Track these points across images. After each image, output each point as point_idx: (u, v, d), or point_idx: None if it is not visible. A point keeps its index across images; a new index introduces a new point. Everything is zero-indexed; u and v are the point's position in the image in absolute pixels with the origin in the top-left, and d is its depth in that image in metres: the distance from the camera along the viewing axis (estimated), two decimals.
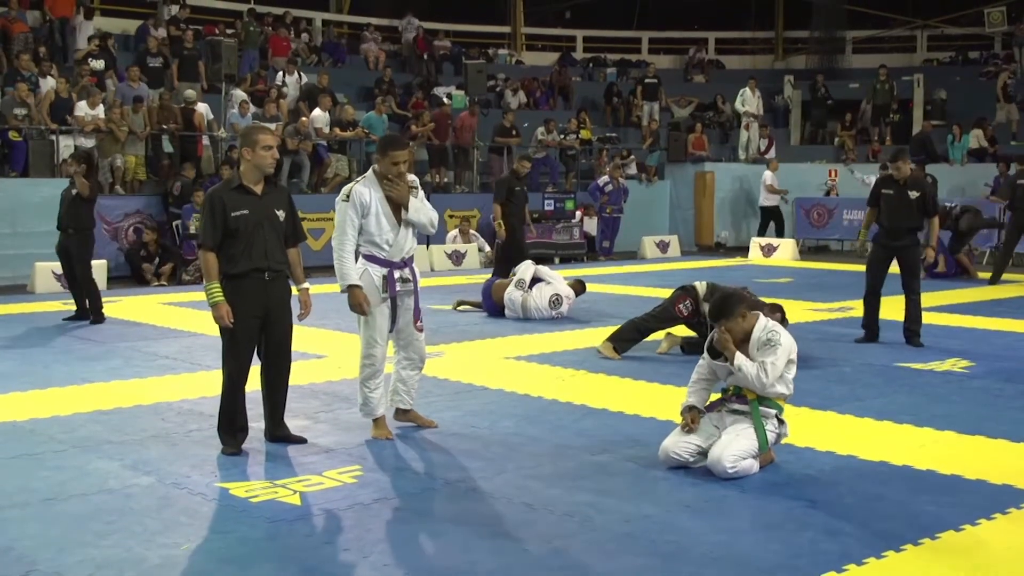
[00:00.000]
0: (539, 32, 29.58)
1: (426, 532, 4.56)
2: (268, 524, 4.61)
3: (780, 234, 19.70)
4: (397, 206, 5.97)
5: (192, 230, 14.34)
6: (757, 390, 5.36)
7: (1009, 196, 14.93)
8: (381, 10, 26.99)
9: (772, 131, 22.42)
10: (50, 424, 6.38)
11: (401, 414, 6.30)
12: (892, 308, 9.36)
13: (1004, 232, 14.93)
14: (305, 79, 19.56)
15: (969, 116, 21.89)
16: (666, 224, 21.04)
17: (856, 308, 11.11)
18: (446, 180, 19.22)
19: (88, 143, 15.19)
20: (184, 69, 18.21)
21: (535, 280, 11.00)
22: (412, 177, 6.17)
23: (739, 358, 5.35)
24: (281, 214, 5.78)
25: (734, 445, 5.25)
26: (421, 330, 6.19)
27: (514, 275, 11.17)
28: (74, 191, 10.53)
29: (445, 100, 20.27)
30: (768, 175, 19.89)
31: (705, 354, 5.56)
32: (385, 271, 5.98)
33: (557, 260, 17.26)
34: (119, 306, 11.77)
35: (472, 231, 17.80)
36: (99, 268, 13.66)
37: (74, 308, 10.72)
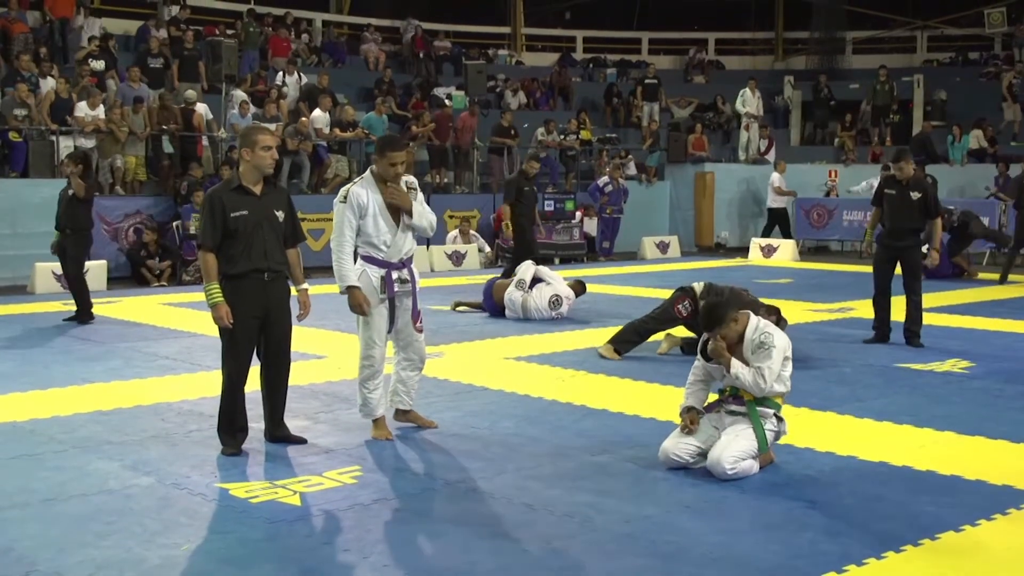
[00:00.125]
0: (539, 32, 29.58)
1: (426, 533, 4.56)
2: (268, 525, 4.61)
3: (786, 236, 19.71)
4: (395, 207, 5.97)
5: (192, 230, 14.35)
6: (756, 394, 5.36)
7: (1016, 195, 14.97)
8: (381, 11, 26.99)
9: (772, 132, 22.42)
10: (50, 424, 6.38)
11: (401, 415, 6.30)
12: (893, 309, 9.35)
13: (1015, 231, 14.98)
14: (305, 79, 19.57)
15: (969, 117, 21.90)
16: (666, 225, 21.04)
17: (856, 308, 11.15)
18: (446, 181, 19.22)
19: (88, 144, 15.21)
20: (184, 69, 18.22)
21: (535, 280, 11.00)
22: (410, 178, 6.17)
23: (735, 366, 5.34)
24: (280, 215, 5.78)
25: (733, 446, 5.25)
26: (421, 331, 6.19)
27: (515, 275, 11.19)
28: (71, 192, 10.54)
29: (447, 102, 20.26)
30: (776, 177, 19.95)
31: (699, 357, 5.55)
32: (383, 272, 5.98)
33: (557, 261, 17.25)
34: (119, 306, 11.77)
35: (472, 231, 17.80)
36: (99, 268, 13.73)
37: (74, 308, 10.71)
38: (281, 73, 19.24)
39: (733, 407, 5.46)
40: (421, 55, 23.76)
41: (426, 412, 6.46)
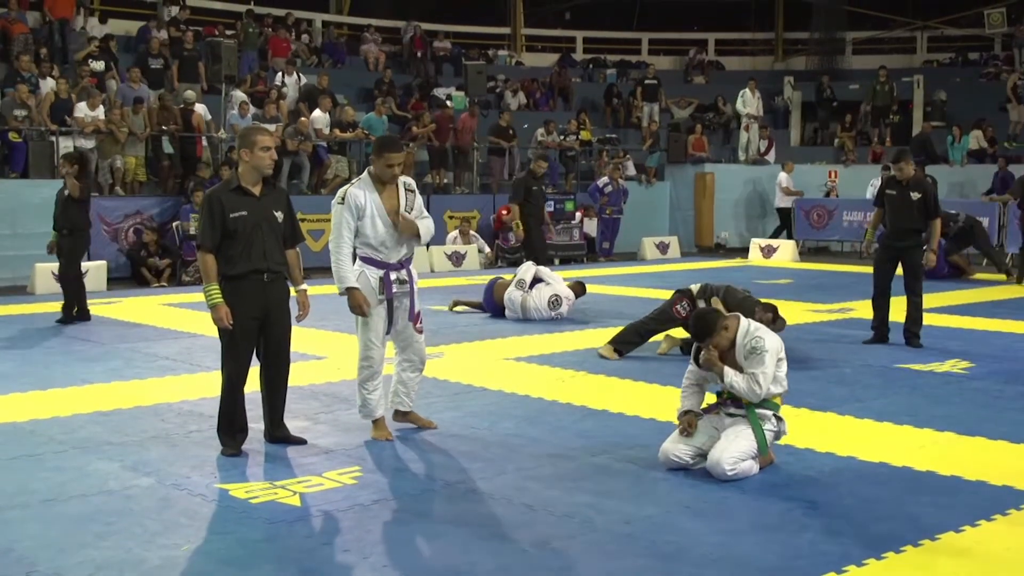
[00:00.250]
0: (539, 33, 29.58)
1: (426, 533, 4.56)
2: (268, 525, 4.61)
3: (789, 236, 19.73)
4: (393, 207, 5.97)
5: (192, 231, 14.35)
6: (752, 400, 5.35)
7: (1020, 193, 15.01)
8: (381, 11, 27.00)
9: (772, 132, 22.42)
10: (50, 425, 6.38)
11: (400, 416, 6.30)
12: (893, 309, 9.35)
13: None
14: (304, 80, 19.56)
15: (969, 117, 21.91)
16: (666, 225, 21.04)
17: (856, 309, 11.15)
18: (446, 181, 19.22)
19: (88, 144, 15.22)
20: (184, 70, 18.22)
21: (535, 281, 11.01)
22: (408, 180, 6.17)
23: (729, 375, 5.33)
24: (279, 215, 5.78)
25: (733, 447, 5.25)
26: (421, 332, 6.20)
27: (515, 275, 11.20)
28: (67, 192, 10.55)
29: (448, 103, 20.27)
30: (783, 177, 20.01)
31: (692, 363, 5.54)
32: (381, 273, 5.98)
33: (557, 261, 17.25)
34: (119, 307, 11.78)
35: (472, 232, 17.81)
36: (99, 269, 13.74)
37: (75, 309, 10.71)
38: (280, 74, 19.24)
39: (732, 410, 5.46)
40: (420, 55, 23.77)
41: (426, 412, 6.46)
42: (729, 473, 5.18)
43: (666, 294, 9.82)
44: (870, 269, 9.66)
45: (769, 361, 5.31)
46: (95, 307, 11.22)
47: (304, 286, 5.98)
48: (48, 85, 15.83)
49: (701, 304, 8.80)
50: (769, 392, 5.37)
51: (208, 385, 7.05)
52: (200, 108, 16.71)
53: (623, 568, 4.13)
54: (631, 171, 20.76)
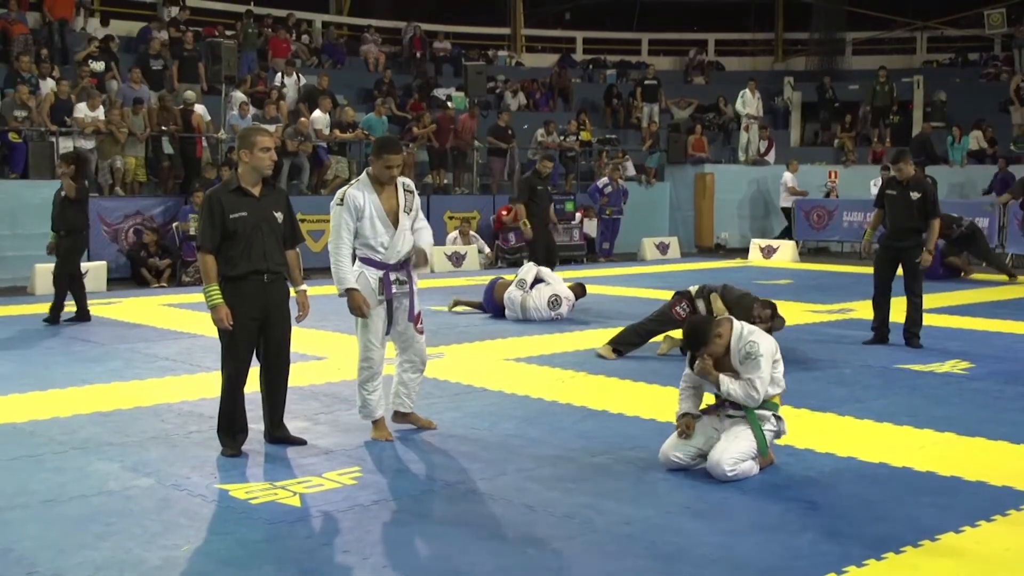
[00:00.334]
0: (539, 34, 29.58)
1: (426, 534, 4.56)
2: (268, 526, 4.61)
3: (788, 236, 19.77)
4: (392, 208, 5.97)
5: (192, 231, 14.36)
6: (751, 406, 5.34)
7: (1021, 194, 15.03)
8: (381, 12, 27.00)
9: (772, 132, 22.42)
10: (50, 426, 6.38)
11: (400, 417, 6.29)
12: (893, 310, 9.35)
13: None
14: (304, 80, 19.56)
15: (969, 118, 21.91)
16: (666, 226, 21.04)
17: (856, 310, 11.15)
18: (445, 182, 19.23)
19: (88, 145, 15.22)
20: (184, 70, 18.23)
21: (536, 281, 11.01)
22: (407, 181, 6.17)
23: (725, 384, 5.32)
24: (279, 216, 5.78)
25: (733, 448, 5.25)
26: (422, 332, 6.20)
27: (516, 276, 11.21)
28: (63, 193, 10.53)
29: (449, 105, 20.27)
30: (788, 176, 20.05)
31: (687, 368, 5.54)
32: (381, 273, 5.98)
33: (557, 262, 17.22)
34: (119, 307, 11.78)
35: (472, 232, 17.81)
36: (99, 269, 13.74)
37: (74, 309, 10.71)
38: (280, 74, 19.25)
39: (731, 411, 5.45)
40: (419, 56, 23.77)
41: (426, 413, 6.46)
42: (729, 474, 5.18)
43: (666, 294, 9.84)
44: (870, 270, 9.67)
45: (765, 365, 5.30)
46: (95, 308, 11.22)
47: (304, 287, 5.98)
48: (48, 86, 15.84)
49: (700, 304, 8.83)
50: (767, 393, 5.36)
51: (208, 386, 7.04)
52: (200, 109, 16.71)
53: (623, 569, 4.13)
54: (631, 172, 20.77)
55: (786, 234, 19.99)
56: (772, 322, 9.03)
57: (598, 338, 9.25)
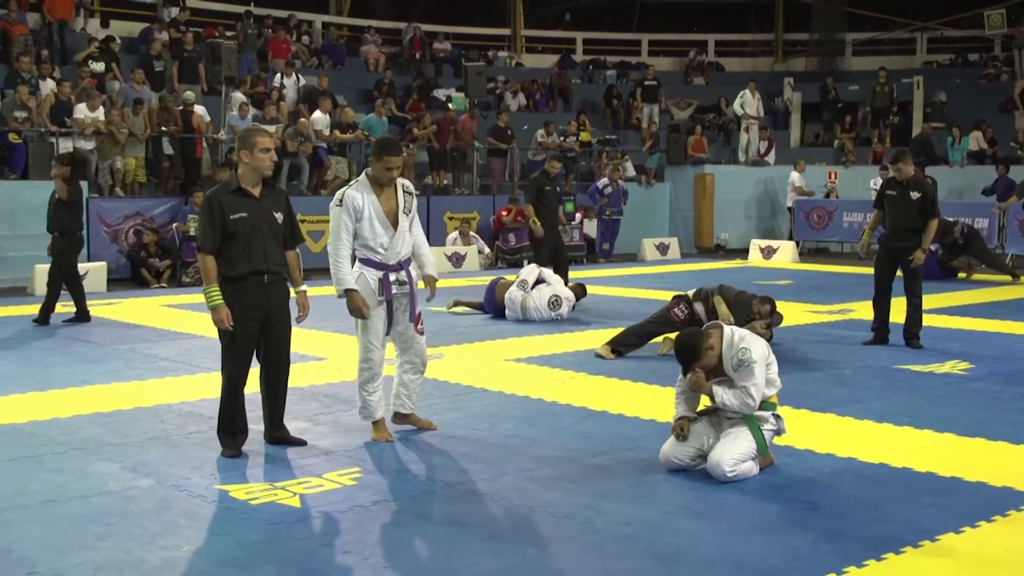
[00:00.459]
0: (539, 34, 29.57)
1: (426, 534, 4.56)
2: (268, 526, 4.61)
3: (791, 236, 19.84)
4: (391, 210, 5.98)
5: (192, 232, 14.36)
6: (747, 413, 5.33)
7: None
8: (381, 12, 26.99)
9: (772, 133, 22.42)
10: (50, 426, 6.38)
11: (400, 418, 6.29)
12: (893, 310, 9.35)
13: None
14: (303, 81, 19.57)
15: (969, 118, 21.91)
16: (666, 226, 21.04)
17: (856, 310, 11.15)
18: (445, 182, 19.23)
19: (88, 145, 15.23)
20: (184, 71, 18.23)
21: (538, 281, 11.02)
22: (407, 182, 6.18)
23: (719, 396, 5.30)
24: (279, 216, 5.78)
25: (732, 448, 5.25)
26: (422, 333, 6.20)
27: (517, 276, 11.22)
28: (56, 194, 10.51)
29: (450, 107, 20.28)
30: (795, 176, 20.07)
31: (681, 374, 5.53)
32: (381, 274, 5.98)
33: (566, 262, 17.22)
34: (119, 308, 11.78)
35: (472, 233, 17.81)
36: (99, 270, 13.74)
37: (73, 310, 10.70)
38: (279, 75, 19.25)
39: (730, 413, 5.45)
40: (418, 56, 23.78)
41: (426, 413, 6.46)
42: (729, 475, 5.18)
43: (666, 295, 9.87)
44: (870, 270, 9.67)
45: (758, 372, 5.28)
46: (95, 308, 11.22)
47: (304, 287, 5.98)
48: (48, 86, 15.84)
49: (698, 307, 8.86)
50: (764, 395, 5.36)
51: (208, 386, 7.05)
52: (200, 109, 16.71)
53: (623, 569, 4.13)
54: (631, 172, 20.76)
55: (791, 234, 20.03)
56: (772, 317, 9.08)
57: (598, 339, 9.25)
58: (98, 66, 17.20)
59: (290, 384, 6.02)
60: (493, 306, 11.19)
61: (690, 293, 9.03)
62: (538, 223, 12.23)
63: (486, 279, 12.54)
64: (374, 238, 5.94)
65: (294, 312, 5.91)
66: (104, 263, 14.15)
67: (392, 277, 6.00)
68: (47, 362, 8.54)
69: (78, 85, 16.21)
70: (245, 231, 5.60)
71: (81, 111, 15.26)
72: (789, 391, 6.89)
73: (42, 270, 13.03)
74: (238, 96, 17.20)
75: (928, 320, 9.52)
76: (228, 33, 20.64)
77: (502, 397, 7.24)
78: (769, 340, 9.18)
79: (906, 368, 8.25)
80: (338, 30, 25.52)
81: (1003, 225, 17.53)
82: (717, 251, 20.62)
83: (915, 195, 9.10)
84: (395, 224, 5.98)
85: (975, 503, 4.90)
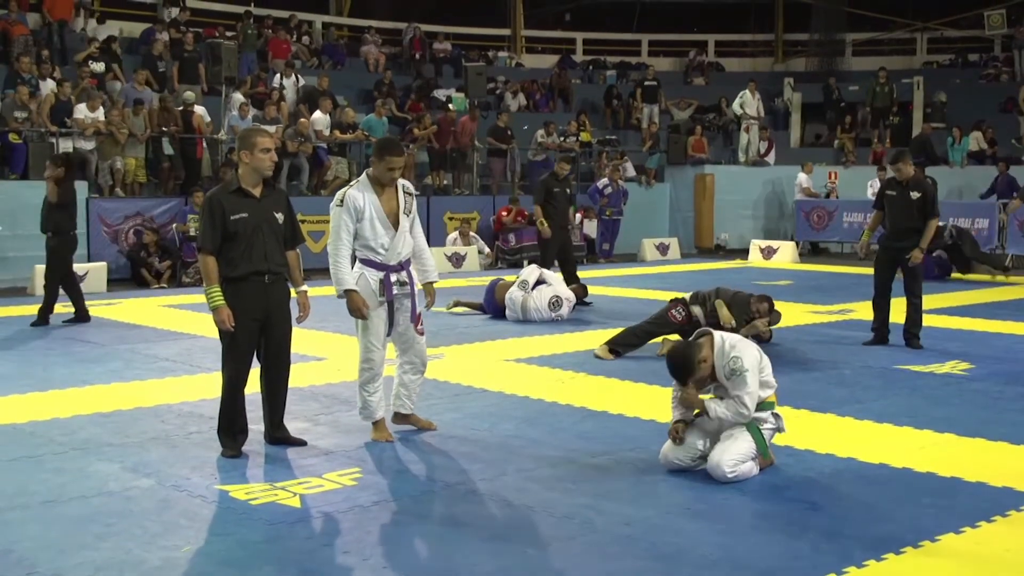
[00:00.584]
0: (539, 35, 29.58)
1: (426, 534, 4.56)
2: (268, 526, 4.61)
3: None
4: (392, 210, 5.98)
5: (192, 232, 14.36)
6: (743, 422, 5.31)
7: None
8: (381, 13, 27.00)
9: (772, 133, 22.42)
10: (50, 426, 6.38)
11: (400, 418, 6.29)
12: (893, 311, 9.35)
13: None
14: (303, 81, 19.57)
15: (969, 119, 21.92)
16: (666, 226, 21.05)
17: (856, 310, 11.15)
18: (446, 183, 19.24)
19: (88, 146, 15.23)
20: (184, 71, 18.24)
21: (538, 281, 11.02)
22: (407, 183, 6.18)
23: (713, 410, 5.29)
24: (280, 217, 5.78)
25: (732, 449, 5.25)
26: (422, 333, 6.20)
27: (517, 277, 11.22)
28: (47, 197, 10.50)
29: (451, 107, 20.28)
30: (803, 177, 20.09)
31: (675, 384, 5.52)
32: (381, 275, 5.98)
33: (556, 263, 17.22)
34: (119, 308, 11.78)
35: (472, 233, 17.82)
36: (99, 270, 13.74)
37: (72, 310, 10.70)
38: (278, 75, 19.26)
39: None
40: (417, 57, 23.78)
41: (426, 414, 6.46)
42: (729, 475, 5.18)
43: (666, 295, 9.88)
44: (870, 270, 9.67)
45: (751, 380, 5.26)
46: (95, 309, 11.23)
47: (305, 287, 5.98)
48: (48, 86, 15.84)
49: (696, 309, 8.88)
50: (759, 398, 5.35)
51: (208, 386, 7.05)
52: (200, 109, 16.72)
53: (623, 569, 4.13)
54: (631, 172, 20.76)
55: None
56: (770, 315, 9.10)
57: (598, 339, 9.25)
58: (98, 66, 17.21)
59: (290, 384, 6.01)
60: (493, 307, 11.20)
61: (687, 296, 9.06)
62: (545, 224, 12.23)
63: (486, 279, 12.54)
64: (375, 238, 5.94)
65: (295, 312, 5.91)
66: (104, 263, 14.16)
67: (393, 278, 5.99)
68: (47, 362, 8.54)
69: (78, 85, 16.21)
70: (246, 231, 5.60)
71: (81, 111, 15.26)
72: (789, 391, 6.90)
73: (42, 270, 13.04)
74: (238, 96, 17.20)
75: (928, 320, 9.52)
76: (228, 33, 20.65)
77: (502, 397, 7.24)
78: (769, 340, 9.24)
79: (906, 368, 8.25)
80: (338, 30, 25.53)
81: (1003, 225, 17.53)
82: (717, 251, 20.62)
83: (915, 195, 9.09)
84: (396, 224, 5.98)
85: (975, 503, 4.90)
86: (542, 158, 20.12)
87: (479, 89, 21.85)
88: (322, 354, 8.76)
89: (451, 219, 18.07)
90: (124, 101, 16.34)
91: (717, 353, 5.31)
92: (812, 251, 20.18)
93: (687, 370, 5.31)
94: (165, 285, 14.36)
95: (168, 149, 16.33)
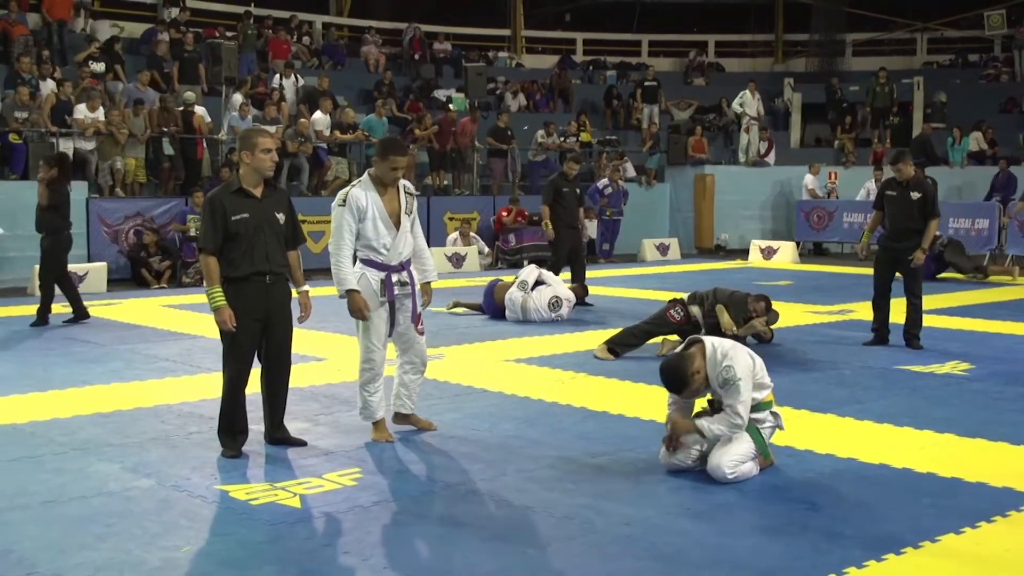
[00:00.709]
0: (539, 35, 29.57)
1: (426, 535, 4.56)
2: (268, 527, 4.61)
3: None
4: (394, 210, 5.98)
5: (193, 232, 14.36)
6: (739, 432, 5.30)
7: None
8: (381, 13, 27.00)
9: (772, 134, 22.43)
10: (50, 427, 6.38)
11: (401, 418, 6.29)
12: (893, 311, 9.35)
13: None
14: (303, 82, 19.57)
15: (969, 119, 21.92)
16: (666, 227, 21.05)
17: (856, 311, 11.15)
18: (446, 183, 19.24)
19: (88, 146, 15.22)
20: (184, 72, 18.24)
21: (537, 282, 11.02)
22: (407, 183, 6.18)
23: (707, 430, 5.27)
24: (281, 217, 5.78)
25: (732, 450, 5.25)
26: (422, 333, 6.20)
27: (516, 277, 11.23)
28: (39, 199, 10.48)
29: (451, 108, 20.27)
30: (809, 178, 20.11)
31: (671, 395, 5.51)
32: (383, 275, 5.98)
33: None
34: (119, 308, 11.78)
35: (472, 233, 17.82)
36: (99, 270, 13.74)
37: (70, 310, 10.69)
38: (278, 75, 19.26)
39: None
40: (417, 57, 23.78)
41: (426, 414, 6.46)
42: (730, 476, 5.18)
43: (666, 295, 9.88)
44: (870, 271, 9.66)
45: (744, 388, 5.25)
46: (95, 309, 11.23)
47: (306, 287, 5.98)
48: (48, 87, 15.84)
49: (694, 309, 8.89)
50: (755, 400, 5.34)
51: (208, 387, 7.05)
52: (200, 110, 16.72)
53: (623, 569, 4.13)
54: (631, 173, 20.76)
55: None
56: (768, 315, 9.11)
57: (598, 339, 9.25)
58: (98, 66, 17.20)
59: (290, 384, 6.01)
60: (492, 307, 11.20)
61: (685, 296, 9.07)
62: (550, 226, 12.22)
63: (486, 279, 12.54)
64: (377, 238, 5.94)
65: (296, 313, 5.91)
66: (104, 263, 14.16)
67: (394, 278, 5.99)
68: (47, 362, 8.54)
69: (78, 85, 16.21)
70: (247, 232, 5.60)
71: (81, 111, 15.26)
72: (789, 391, 6.91)
73: None
74: (238, 97, 17.20)
75: (928, 320, 9.52)
76: (228, 33, 20.65)
77: (502, 398, 7.24)
78: (770, 340, 9.25)
79: (906, 369, 8.25)
80: (338, 31, 25.53)
81: (1003, 226, 17.53)
82: (717, 252, 20.61)
83: (915, 195, 9.09)
84: (398, 224, 5.98)
85: (975, 503, 4.90)
86: (542, 158, 20.13)
87: (479, 89, 21.85)
88: (322, 354, 8.76)
89: (451, 219, 18.08)
90: (126, 101, 16.34)
91: (709, 362, 5.30)
92: (815, 251, 20.17)
93: (682, 382, 5.32)
94: (165, 285, 14.36)
95: (168, 149, 16.33)
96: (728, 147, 23.06)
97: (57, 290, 10.69)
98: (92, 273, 13.59)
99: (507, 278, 11.63)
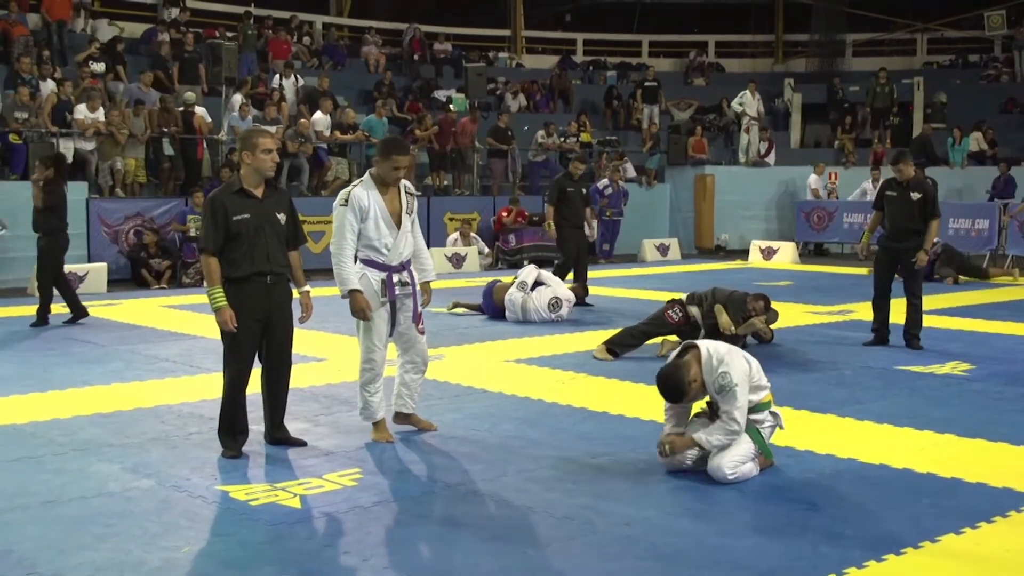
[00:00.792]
0: (539, 35, 29.58)
1: (426, 535, 4.56)
2: (268, 527, 4.61)
3: None
4: (395, 210, 5.98)
5: (193, 232, 14.36)
6: (737, 438, 5.29)
7: None
8: (381, 13, 27.00)
9: (772, 134, 22.43)
10: (50, 427, 6.38)
11: (401, 418, 6.30)
12: (893, 311, 9.35)
13: None
14: (302, 82, 19.58)
15: (969, 119, 21.92)
16: (666, 227, 21.05)
17: (856, 311, 11.15)
18: (446, 183, 19.24)
19: (88, 146, 15.22)
20: (184, 72, 18.25)
21: (536, 283, 11.03)
22: (407, 183, 6.18)
23: (704, 442, 5.27)
24: (282, 217, 5.78)
25: (733, 450, 5.25)
26: (423, 332, 6.20)
27: (515, 278, 11.23)
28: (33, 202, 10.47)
29: (451, 108, 20.27)
30: (814, 179, 20.12)
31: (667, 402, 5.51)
32: (384, 275, 5.98)
33: (556, 263, 17.23)
34: (119, 309, 11.78)
35: (472, 234, 17.82)
36: (99, 271, 13.74)
37: (49, 312, 10.65)
38: (278, 76, 19.26)
39: None
40: (416, 57, 23.79)
41: (427, 414, 6.46)
42: (730, 476, 5.18)
43: (667, 296, 9.88)
44: (870, 271, 9.66)
45: (740, 393, 5.24)
46: (95, 309, 11.23)
47: (307, 287, 5.98)
48: (49, 87, 15.84)
49: (693, 309, 8.89)
50: (752, 401, 5.34)
51: (208, 387, 7.05)
52: (200, 110, 16.72)
53: (623, 570, 4.13)
54: (631, 173, 20.76)
55: None
56: (767, 314, 9.11)
57: (598, 340, 9.25)
58: (98, 66, 17.21)
59: (291, 385, 6.01)
60: (491, 308, 11.20)
61: (684, 296, 9.08)
62: (552, 226, 12.21)
63: (486, 280, 12.54)
64: (379, 238, 5.94)
65: (296, 313, 5.91)
66: (104, 264, 14.16)
67: (395, 278, 6.00)
68: (47, 363, 8.54)
69: (79, 86, 16.21)
70: (248, 232, 5.60)
71: (81, 112, 15.26)
72: (789, 392, 6.91)
73: None
74: (238, 97, 17.20)
75: (928, 321, 9.52)
76: (228, 34, 20.66)
77: (502, 398, 7.24)
78: (770, 340, 9.25)
79: (906, 369, 8.25)
80: (338, 31, 25.53)
81: (1003, 226, 17.53)
82: (717, 252, 20.61)
83: (915, 196, 9.09)
84: (399, 224, 5.98)
85: (975, 504, 4.90)
86: (542, 159, 20.12)
87: (479, 90, 21.85)
88: (323, 355, 8.76)
89: (451, 220, 18.08)
90: (127, 101, 16.33)
91: (705, 368, 5.29)
92: (816, 252, 20.17)
93: (679, 391, 5.32)
94: (165, 286, 14.36)
95: (168, 150, 16.33)
96: (728, 147, 23.06)
97: (58, 290, 10.69)
98: (92, 273, 13.59)
99: (506, 279, 11.63)
